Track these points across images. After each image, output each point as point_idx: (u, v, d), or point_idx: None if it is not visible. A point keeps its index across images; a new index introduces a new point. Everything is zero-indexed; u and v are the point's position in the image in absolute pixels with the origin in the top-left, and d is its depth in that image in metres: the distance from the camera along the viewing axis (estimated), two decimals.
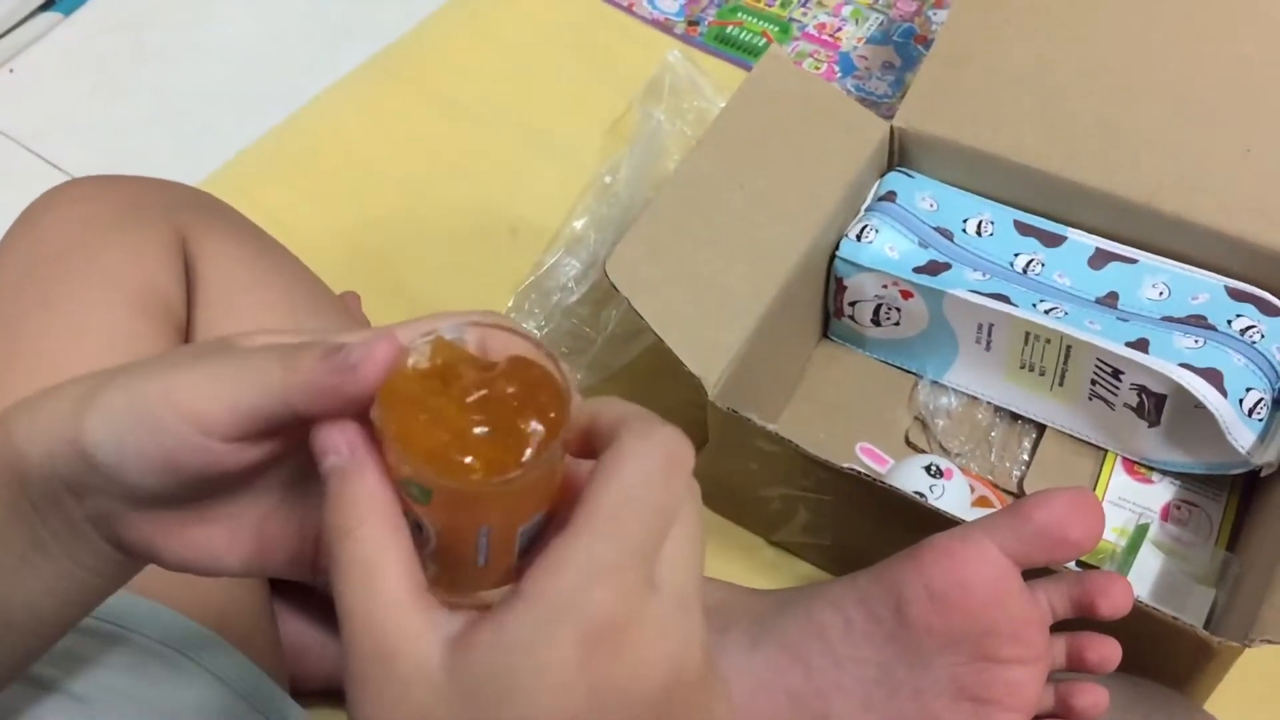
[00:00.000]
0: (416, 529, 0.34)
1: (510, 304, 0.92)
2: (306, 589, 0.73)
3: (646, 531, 0.32)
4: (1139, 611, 0.58)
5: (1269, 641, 0.57)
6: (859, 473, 0.68)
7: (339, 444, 0.33)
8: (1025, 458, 0.82)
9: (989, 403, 0.84)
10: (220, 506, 0.37)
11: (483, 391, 0.33)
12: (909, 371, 0.86)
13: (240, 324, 0.67)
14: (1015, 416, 0.83)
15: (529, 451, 0.33)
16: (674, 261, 0.74)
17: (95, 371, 0.37)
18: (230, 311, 0.68)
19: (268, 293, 0.70)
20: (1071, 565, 0.72)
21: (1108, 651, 0.52)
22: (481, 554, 0.34)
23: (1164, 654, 0.61)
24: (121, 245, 0.66)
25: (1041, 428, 0.83)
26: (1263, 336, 0.74)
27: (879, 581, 0.53)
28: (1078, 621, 0.53)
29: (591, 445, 0.34)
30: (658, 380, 0.89)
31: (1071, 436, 0.82)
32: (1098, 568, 0.74)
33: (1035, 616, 0.51)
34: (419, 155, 1.06)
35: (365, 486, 0.33)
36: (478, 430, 0.33)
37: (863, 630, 0.52)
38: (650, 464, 0.32)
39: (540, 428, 0.33)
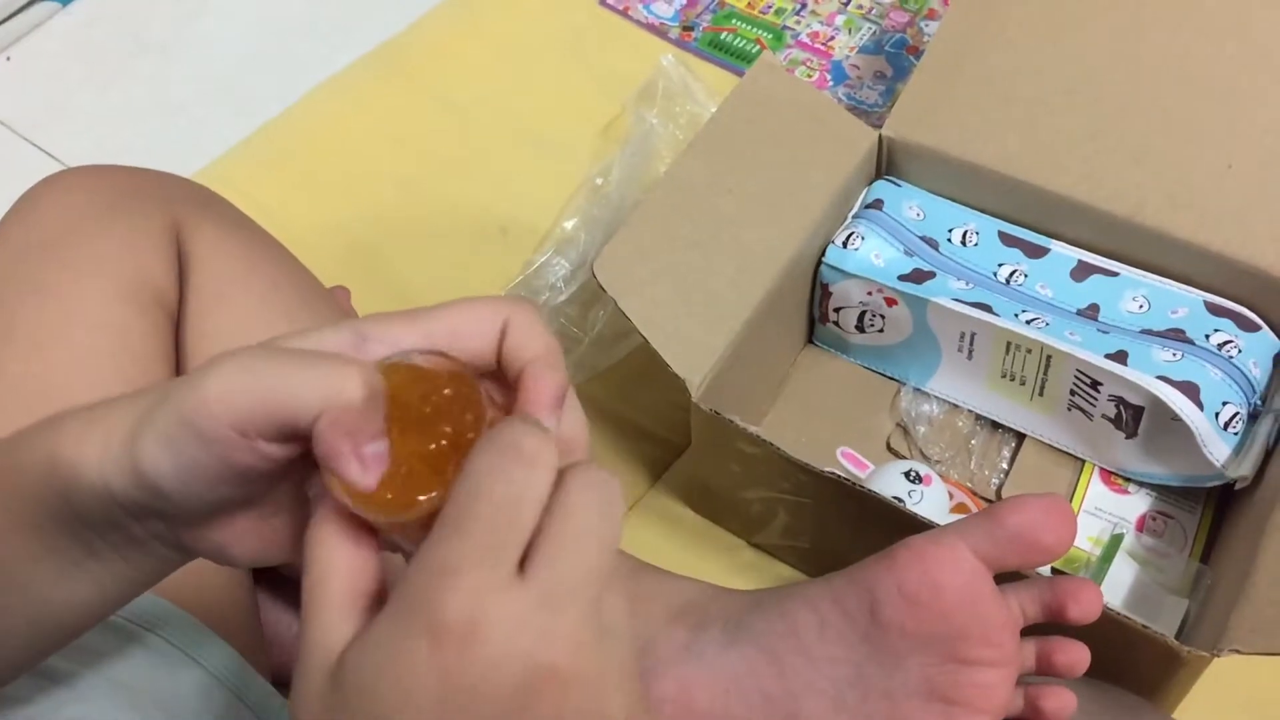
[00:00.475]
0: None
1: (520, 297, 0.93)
2: (286, 579, 0.74)
3: (492, 527, 0.32)
4: (1111, 620, 0.59)
5: (1237, 651, 0.58)
6: (839, 477, 0.69)
7: None
8: (1004, 466, 0.83)
9: (970, 411, 0.84)
10: (284, 498, 0.38)
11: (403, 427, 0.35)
12: (892, 378, 0.87)
13: (232, 316, 0.68)
14: (995, 425, 0.84)
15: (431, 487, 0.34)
16: (661, 263, 0.74)
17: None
18: (221, 303, 0.68)
19: (259, 285, 0.70)
20: (1045, 572, 0.73)
21: (1076, 655, 0.53)
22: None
23: (1135, 662, 0.62)
24: (115, 234, 0.66)
25: (1021, 437, 0.83)
26: (1240, 351, 0.75)
27: (853, 582, 0.53)
28: (1048, 626, 0.54)
29: None
30: (643, 381, 0.90)
31: (1050, 446, 0.82)
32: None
33: (1006, 620, 0.52)
34: (412, 152, 1.07)
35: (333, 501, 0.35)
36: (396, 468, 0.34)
37: (836, 630, 0.53)
38: (494, 458, 0.32)
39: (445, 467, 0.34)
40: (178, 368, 0.66)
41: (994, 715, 0.53)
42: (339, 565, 0.34)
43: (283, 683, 0.70)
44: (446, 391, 0.35)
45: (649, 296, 0.72)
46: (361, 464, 0.34)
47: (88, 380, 0.62)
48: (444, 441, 0.35)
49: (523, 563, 0.32)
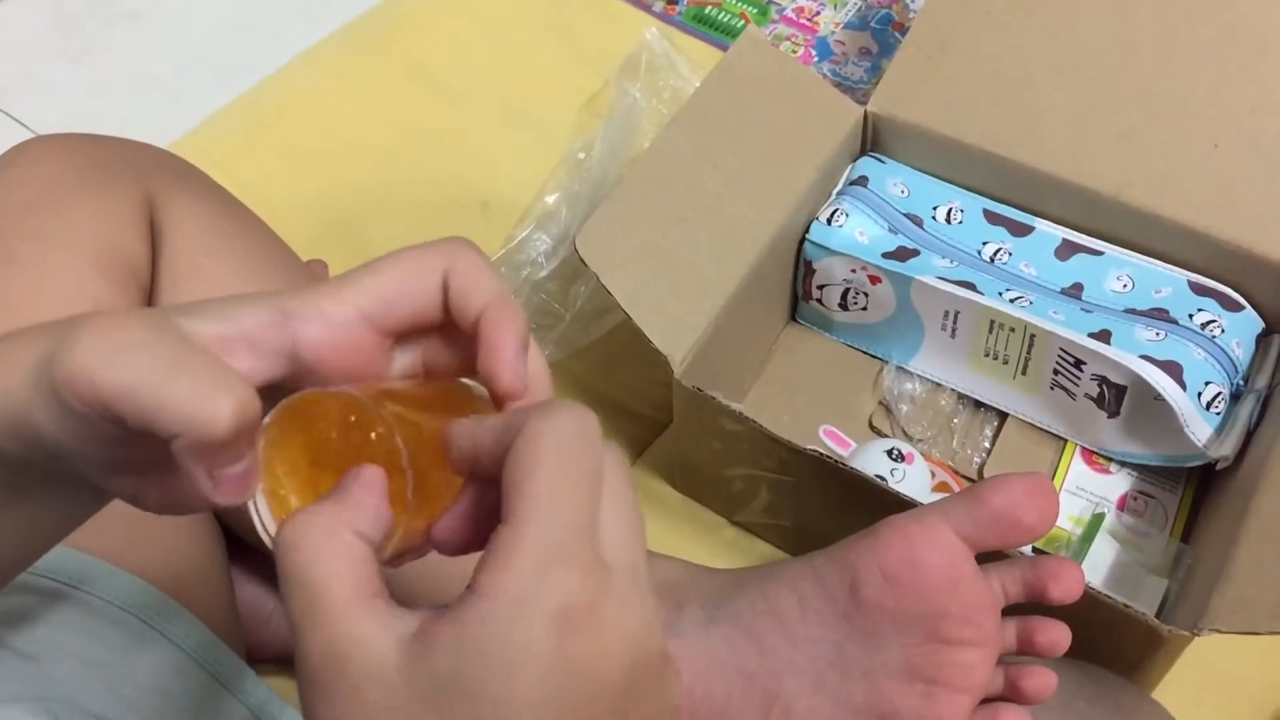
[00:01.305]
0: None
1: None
2: (261, 556, 0.73)
3: (584, 502, 0.31)
4: (1092, 599, 0.59)
5: (1217, 631, 0.58)
6: (822, 455, 0.69)
7: None
8: (986, 445, 0.82)
9: (952, 390, 0.84)
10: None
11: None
12: (875, 356, 0.87)
13: (206, 288, 0.67)
14: (978, 404, 0.84)
15: None
16: (644, 239, 0.74)
17: (38, 329, 0.35)
18: (195, 275, 0.67)
19: (233, 258, 0.69)
20: (1026, 551, 0.73)
21: (1057, 635, 0.53)
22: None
23: (1115, 641, 0.62)
24: (87, 204, 0.65)
25: (1003, 416, 0.83)
26: (1223, 331, 0.75)
27: (834, 561, 0.53)
28: (1029, 606, 0.54)
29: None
30: (625, 358, 0.89)
31: (1032, 425, 0.82)
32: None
33: (987, 599, 0.52)
34: (392, 125, 1.06)
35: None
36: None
37: (817, 610, 0.53)
38: (565, 434, 0.31)
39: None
40: None
41: (974, 695, 0.52)
42: (334, 565, 0.32)
43: (257, 658, 0.70)
44: (350, 419, 0.34)
45: (631, 272, 0.72)
46: (214, 483, 0.33)
47: None
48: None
49: None
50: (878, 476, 0.74)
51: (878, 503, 0.64)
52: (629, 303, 0.70)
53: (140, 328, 0.32)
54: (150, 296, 0.66)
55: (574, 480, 0.31)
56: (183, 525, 0.65)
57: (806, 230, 0.82)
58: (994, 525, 0.50)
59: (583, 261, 0.71)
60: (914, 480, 0.77)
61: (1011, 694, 0.54)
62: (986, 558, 0.53)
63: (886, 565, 0.51)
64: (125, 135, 0.73)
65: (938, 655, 0.51)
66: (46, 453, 0.34)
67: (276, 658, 0.74)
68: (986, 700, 0.54)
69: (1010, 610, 0.54)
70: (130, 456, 0.35)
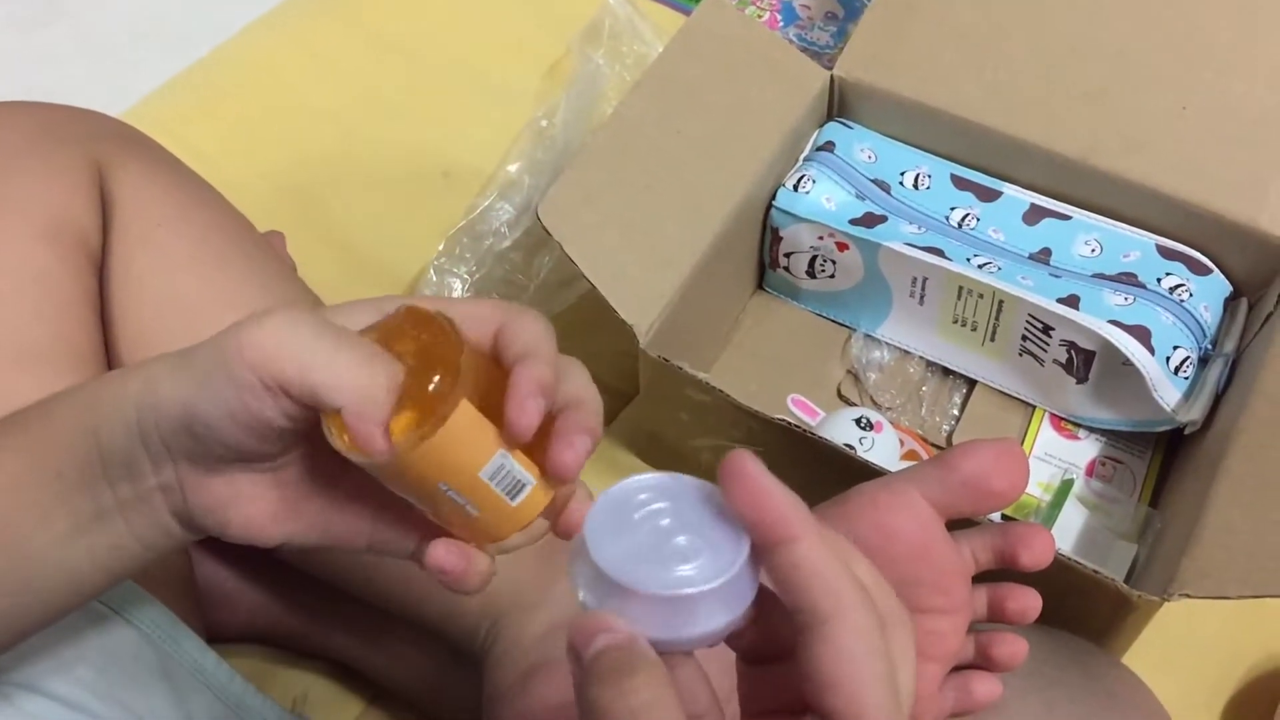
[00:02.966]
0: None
1: (441, 248, 0.90)
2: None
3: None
4: (1061, 565, 0.59)
5: (1187, 595, 0.58)
6: (790, 424, 0.68)
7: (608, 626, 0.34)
8: (955, 413, 0.82)
9: (921, 357, 0.84)
10: (292, 472, 0.40)
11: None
12: (843, 324, 0.86)
13: (159, 258, 0.65)
14: (946, 371, 0.84)
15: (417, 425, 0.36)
16: (608, 207, 0.72)
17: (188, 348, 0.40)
18: (148, 245, 0.65)
19: (188, 227, 0.67)
20: (996, 518, 0.73)
21: (1028, 602, 0.52)
22: (464, 505, 0.37)
23: (1085, 607, 0.62)
24: (33, 172, 0.64)
25: (972, 383, 0.83)
26: (1191, 295, 0.74)
27: None
28: (1000, 573, 0.53)
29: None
30: (591, 328, 0.88)
31: (1001, 392, 0.82)
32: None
33: (958, 566, 0.51)
34: (350, 92, 1.04)
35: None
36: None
37: None
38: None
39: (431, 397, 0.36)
40: (102, 312, 0.64)
41: (945, 663, 0.52)
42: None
43: (217, 638, 0.69)
44: (425, 337, 0.38)
45: (595, 241, 0.71)
46: (384, 439, 0.36)
47: (7, 324, 0.59)
48: (437, 378, 0.36)
49: None
50: (846, 445, 0.73)
51: (847, 472, 0.63)
52: (593, 272, 0.69)
53: (298, 314, 0.38)
54: (100, 266, 0.65)
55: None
56: None
57: (773, 197, 0.81)
58: (964, 491, 0.50)
59: (546, 231, 0.70)
60: (883, 449, 0.76)
61: (982, 662, 0.53)
62: (956, 525, 0.53)
63: (856, 533, 0.50)
64: (78, 104, 0.71)
65: None
66: (162, 438, 0.39)
67: (237, 637, 0.73)
68: (957, 668, 0.53)
69: (980, 577, 0.53)
70: (245, 446, 0.38)
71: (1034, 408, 0.81)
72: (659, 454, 0.82)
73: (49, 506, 0.41)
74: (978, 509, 0.50)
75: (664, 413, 0.76)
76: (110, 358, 0.64)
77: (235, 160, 0.95)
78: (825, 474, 0.65)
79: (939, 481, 0.50)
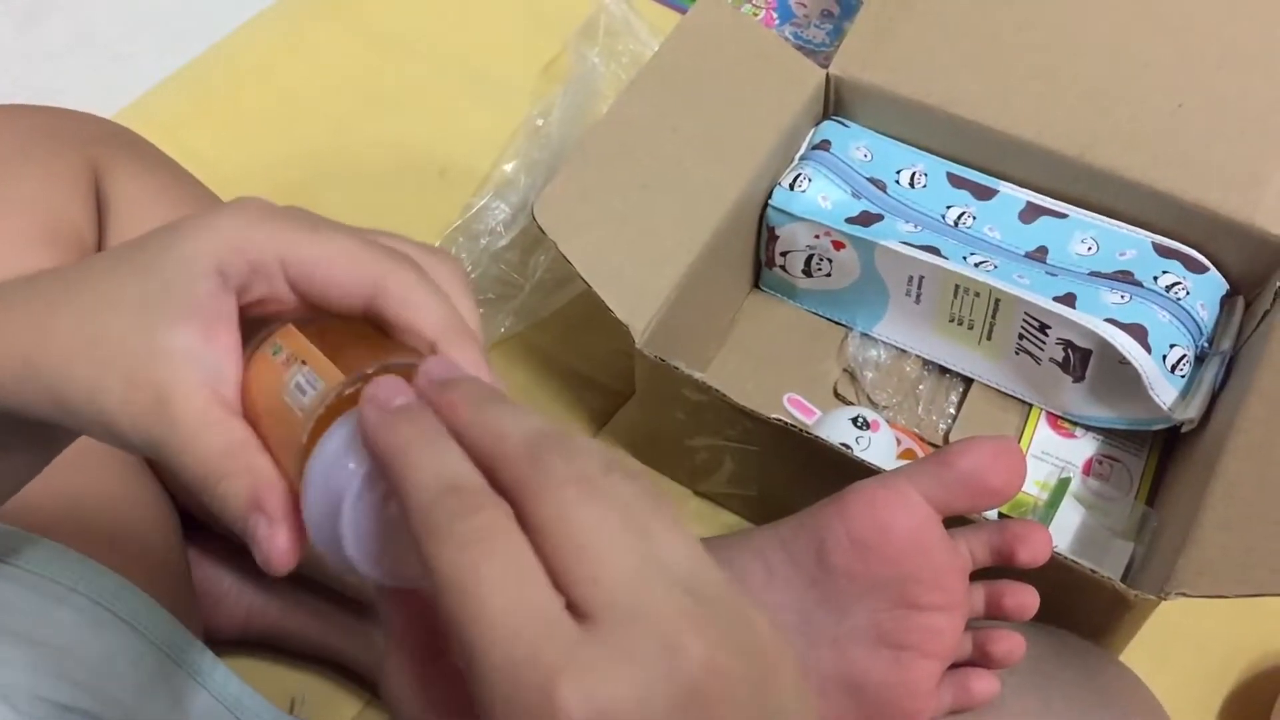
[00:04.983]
0: None
1: (437, 247, 0.90)
2: (218, 536, 0.71)
3: (512, 584, 0.28)
4: (1058, 564, 0.59)
5: (1184, 594, 0.58)
6: (786, 424, 0.68)
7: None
8: (952, 411, 0.82)
9: (917, 356, 0.83)
10: None
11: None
12: (839, 323, 0.86)
13: None
14: (943, 370, 0.83)
15: None
16: (603, 206, 0.72)
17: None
18: None
19: None
20: (992, 517, 0.73)
21: (1025, 599, 0.52)
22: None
23: (1082, 606, 0.61)
24: (30, 176, 0.64)
25: (969, 382, 0.83)
26: (1188, 293, 0.74)
27: (802, 527, 0.52)
28: (997, 571, 0.53)
29: None
30: (586, 328, 0.88)
31: (998, 391, 0.82)
32: None
33: (956, 563, 0.51)
34: (345, 91, 1.04)
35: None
36: None
37: (784, 576, 0.52)
38: (444, 522, 0.28)
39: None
40: None
41: (943, 660, 0.52)
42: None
43: (215, 639, 0.69)
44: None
45: (591, 240, 0.70)
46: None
47: None
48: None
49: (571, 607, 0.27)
50: (843, 445, 0.73)
51: (843, 471, 0.63)
52: (589, 271, 0.69)
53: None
54: None
55: (490, 569, 0.27)
56: (135, 505, 0.63)
57: (769, 196, 0.81)
58: (962, 488, 0.50)
59: (541, 230, 0.69)
60: (879, 448, 0.76)
61: (980, 659, 0.53)
62: (953, 523, 0.53)
63: (854, 530, 0.50)
64: (71, 103, 0.71)
65: (906, 620, 0.51)
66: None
67: (234, 638, 0.72)
68: (955, 665, 0.53)
69: (977, 575, 0.53)
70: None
71: (1031, 406, 0.81)
72: (655, 453, 0.82)
73: None
74: (975, 506, 0.50)
75: (660, 412, 0.76)
76: None
77: (230, 159, 0.95)
78: (822, 473, 0.65)
79: (936, 478, 0.50)
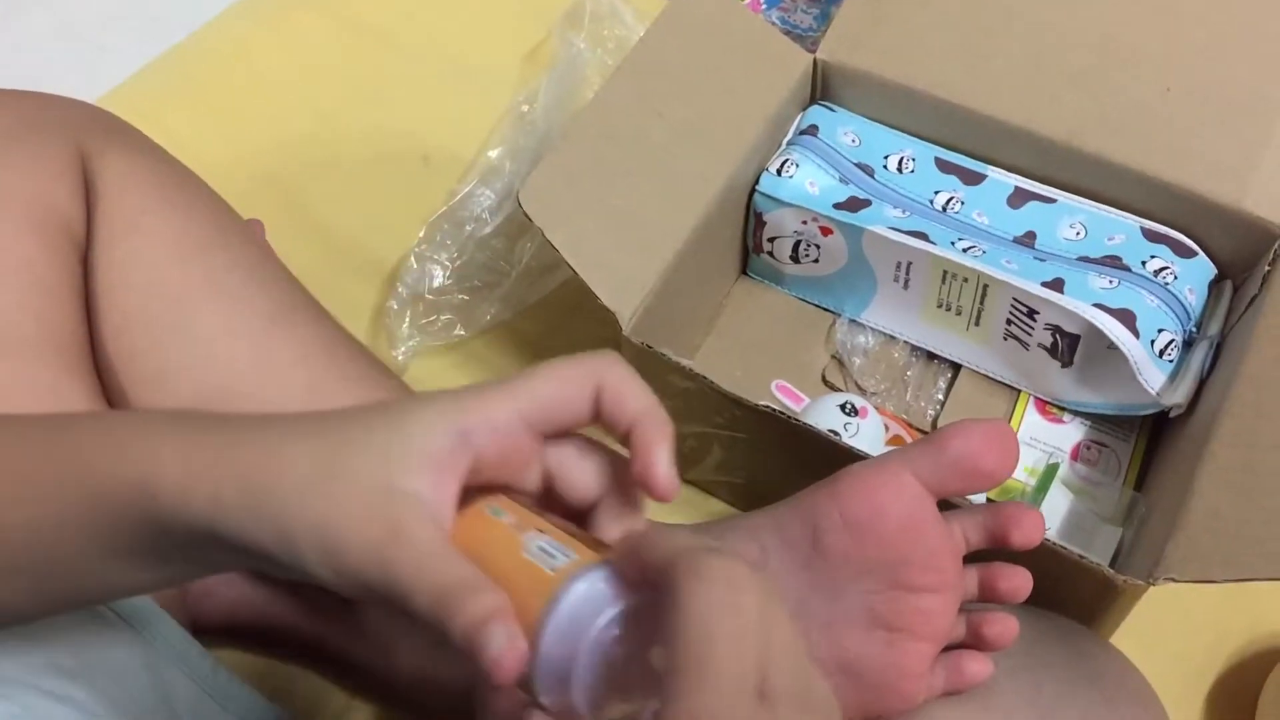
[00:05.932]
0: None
1: (422, 235, 0.89)
2: None
3: (738, 666, 0.32)
4: (1047, 550, 0.59)
5: (1172, 579, 0.58)
6: (774, 410, 0.67)
7: None
8: (940, 397, 0.82)
9: (906, 342, 0.83)
10: None
11: None
12: (827, 310, 0.85)
13: (145, 244, 0.65)
14: (931, 356, 0.83)
15: None
16: (589, 192, 0.72)
17: (233, 435, 0.38)
18: (133, 233, 0.65)
19: (172, 214, 0.67)
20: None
21: (1019, 581, 0.52)
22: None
23: (1071, 591, 0.61)
24: (17, 163, 0.63)
25: (957, 368, 0.83)
26: (1176, 278, 0.74)
27: (795, 510, 0.52)
28: (988, 554, 0.53)
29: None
30: (573, 315, 0.88)
31: (986, 377, 0.82)
32: None
33: (949, 546, 0.51)
34: (329, 78, 1.03)
35: None
36: None
37: (778, 559, 0.52)
38: (712, 595, 0.32)
39: None
40: (87, 300, 0.63)
41: (936, 642, 0.52)
42: None
43: (200, 631, 0.68)
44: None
45: (577, 227, 0.70)
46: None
47: None
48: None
49: None
50: (831, 431, 0.73)
51: (831, 458, 0.63)
52: (575, 258, 0.69)
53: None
54: (86, 254, 0.64)
55: (726, 643, 0.32)
56: None
57: (756, 182, 0.80)
58: (955, 470, 0.50)
59: (527, 217, 0.69)
60: (868, 434, 0.76)
61: (973, 641, 0.53)
62: (947, 506, 0.53)
63: (848, 512, 0.50)
64: (53, 90, 0.70)
65: (899, 602, 0.50)
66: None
67: (220, 629, 0.72)
68: (949, 648, 0.53)
69: (970, 558, 0.53)
70: None
71: (1019, 392, 0.81)
72: None
73: (103, 552, 0.40)
74: (967, 488, 0.50)
75: None
76: (94, 346, 0.63)
77: (212, 147, 0.94)
78: (810, 460, 0.64)
79: (929, 461, 0.50)
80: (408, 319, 0.86)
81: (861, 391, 0.82)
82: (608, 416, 0.39)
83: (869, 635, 0.51)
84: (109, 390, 0.63)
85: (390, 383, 0.68)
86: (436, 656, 0.67)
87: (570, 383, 0.39)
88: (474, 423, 0.37)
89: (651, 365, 0.70)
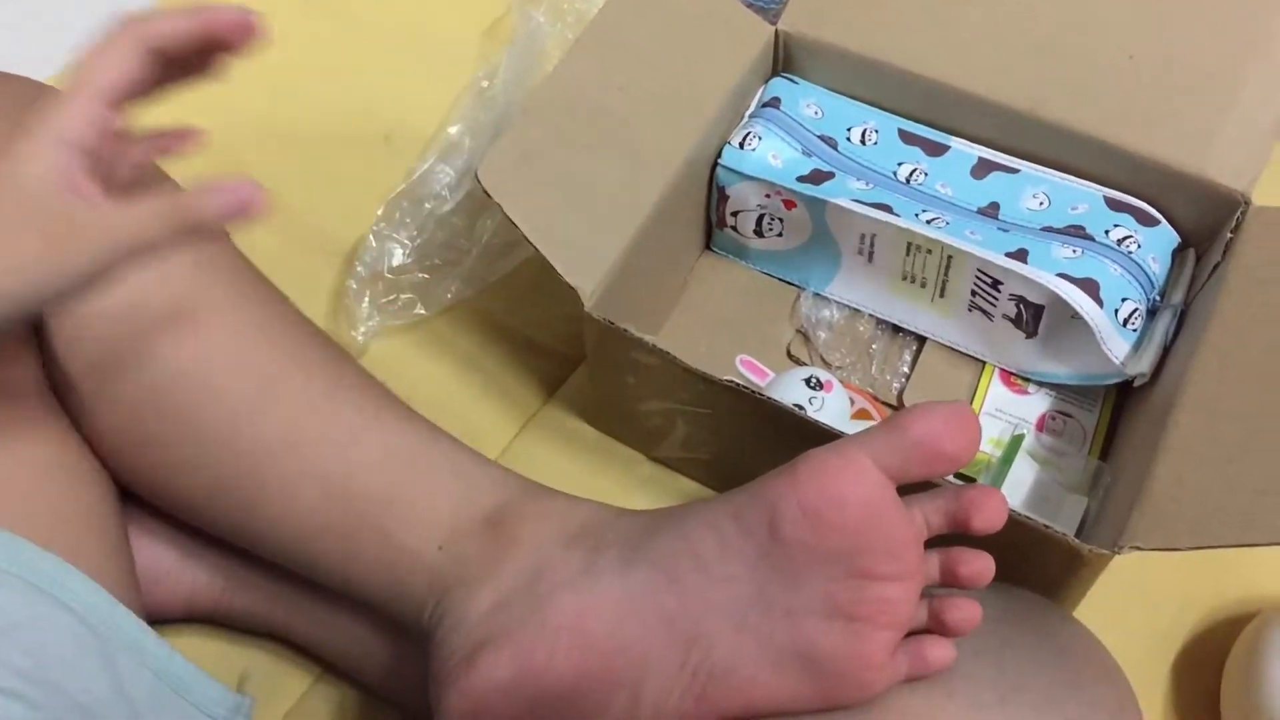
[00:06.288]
0: None
1: (380, 213, 0.88)
2: (158, 514, 0.70)
3: None
4: (1013, 521, 0.58)
5: (1137, 548, 0.58)
6: (739, 385, 0.67)
7: None
8: (905, 370, 0.81)
9: (870, 315, 0.83)
10: None
11: None
12: (791, 284, 0.85)
13: None
14: (896, 329, 0.83)
15: None
16: (549, 167, 0.71)
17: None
18: None
19: None
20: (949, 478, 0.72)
21: (981, 566, 0.52)
22: None
23: (1036, 562, 0.61)
24: None
25: (922, 340, 0.82)
26: (1139, 247, 0.74)
27: (753, 498, 0.51)
28: (952, 535, 0.53)
29: None
30: (535, 293, 0.87)
31: (951, 349, 0.81)
32: (974, 479, 0.75)
33: (910, 533, 0.51)
34: (285, 56, 1.00)
35: None
36: None
37: (736, 548, 0.51)
38: None
39: None
40: None
41: (898, 630, 0.51)
42: None
43: (157, 619, 0.67)
44: None
45: (537, 202, 0.69)
46: None
47: None
48: None
49: None
50: (796, 406, 0.73)
51: (797, 432, 0.63)
52: (535, 234, 0.68)
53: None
54: None
55: None
56: (71, 483, 0.62)
57: (719, 155, 0.79)
58: (916, 455, 0.49)
59: (486, 193, 0.68)
60: (833, 408, 0.75)
61: (935, 627, 0.53)
62: (908, 490, 0.52)
63: (806, 500, 0.50)
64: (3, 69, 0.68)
65: (859, 591, 0.50)
66: None
67: (178, 617, 0.71)
68: (911, 633, 0.53)
69: (932, 542, 0.53)
70: None
71: (984, 364, 0.81)
72: (607, 419, 0.81)
73: None
74: (929, 472, 0.50)
75: (610, 377, 0.75)
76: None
77: (165, 124, 0.92)
78: (776, 435, 0.64)
79: (890, 445, 0.49)
80: (367, 298, 0.85)
81: (827, 365, 0.81)
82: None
83: (829, 624, 0.50)
84: None
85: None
86: (397, 641, 0.66)
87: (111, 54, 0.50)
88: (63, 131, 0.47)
89: (615, 342, 0.69)
